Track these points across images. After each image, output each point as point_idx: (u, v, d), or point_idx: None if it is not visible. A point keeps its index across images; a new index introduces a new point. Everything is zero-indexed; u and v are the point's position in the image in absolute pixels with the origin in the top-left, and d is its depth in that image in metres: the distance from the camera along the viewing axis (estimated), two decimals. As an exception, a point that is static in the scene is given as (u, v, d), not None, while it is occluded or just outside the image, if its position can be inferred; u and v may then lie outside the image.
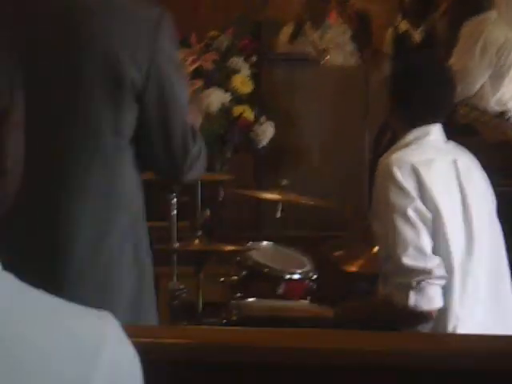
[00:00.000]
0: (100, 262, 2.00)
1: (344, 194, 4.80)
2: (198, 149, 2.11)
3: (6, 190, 1.02)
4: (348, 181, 4.98)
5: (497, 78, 5.55)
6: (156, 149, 2.07)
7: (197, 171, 2.16)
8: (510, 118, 5.60)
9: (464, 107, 4.91)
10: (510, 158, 4.87)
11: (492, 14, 5.68)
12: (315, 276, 3.56)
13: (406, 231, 2.68)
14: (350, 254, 3.69)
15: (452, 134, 3.01)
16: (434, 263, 2.68)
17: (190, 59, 4.81)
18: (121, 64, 1.96)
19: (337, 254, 3.72)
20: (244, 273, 3.52)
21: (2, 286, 0.96)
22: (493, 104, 5.54)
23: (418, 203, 2.71)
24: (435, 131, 2.89)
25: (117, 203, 2.02)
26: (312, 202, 3.98)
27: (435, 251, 2.71)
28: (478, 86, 5.49)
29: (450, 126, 3.04)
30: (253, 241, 3.77)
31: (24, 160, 0.99)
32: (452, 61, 5.58)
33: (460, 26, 5.69)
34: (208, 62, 4.82)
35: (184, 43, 4.90)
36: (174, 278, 3.62)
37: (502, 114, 5.49)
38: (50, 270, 1.94)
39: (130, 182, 2.06)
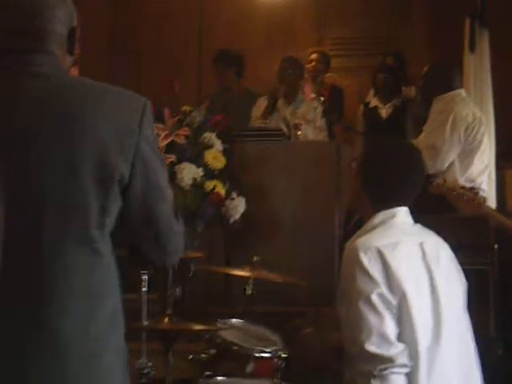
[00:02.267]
0: (86, 349, 1.98)
1: (314, 269, 4.81)
2: (181, 230, 2.16)
3: None
4: (318, 256, 5.00)
5: (466, 155, 5.64)
6: (142, 238, 2.11)
7: (180, 253, 2.20)
8: (478, 193, 5.68)
9: (437, 179, 4.97)
10: (483, 234, 4.91)
11: (461, 92, 5.79)
12: (285, 354, 3.55)
13: (369, 317, 2.69)
14: (319, 331, 3.68)
15: (425, 209, 3.03)
16: (397, 351, 2.68)
17: (163, 134, 4.85)
18: (110, 156, 1.99)
19: (306, 331, 3.71)
20: (213, 351, 3.50)
21: None
22: (462, 180, 5.61)
23: (383, 289, 2.71)
24: (401, 214, 2.92)
25: (101, 291, 2.03)
26: (281, 280, 3.98)
27: (401, 337, 2.71)
28: (448, 162, 5.57)
29: (423, 201, 3.06)
30: (222, 317, 3.76)
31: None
32: (422, 137, 5.68)
33: (431, 103, 5.81)
34: (181, 137, 4.86)
35: (157, 118, 4.96)
36: (143, 355, 3.60)
37: (470, 189, 5.56)
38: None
39: (112, 269, 2.07)
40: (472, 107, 5.79)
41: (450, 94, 5.71)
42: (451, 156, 5.58)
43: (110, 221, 2.04)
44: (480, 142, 5.67)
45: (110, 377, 2.02)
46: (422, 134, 5.72)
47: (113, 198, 2.02)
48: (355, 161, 3.11)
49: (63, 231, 1.96)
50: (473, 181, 5.68)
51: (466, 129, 5.61)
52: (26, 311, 1.94)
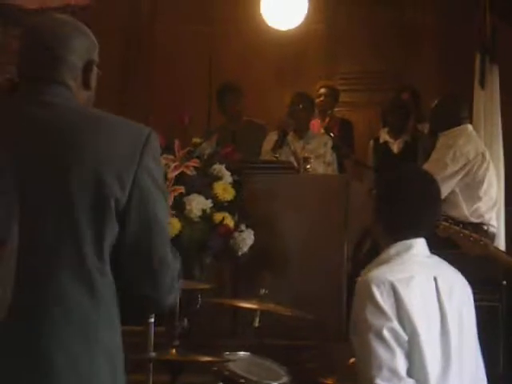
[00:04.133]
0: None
1: (322, 302, 4.79)
2: (177, 267, 2.12)
3: None
4: (326, 290, 4.99)
5: (470, 190, 5.62)
6: (135, 270, 2.06)
7: (175, 291, 2.13)
8: (487, 229, 5.66)
9: (443, 222, 4.96)
10: (492, 271, 4.89)
11: (467, 128, 5.79)
12: (291, 387, 3.53)
13: (380, 352, 2.66)
14: (325, 365, 3.66)
15: (433, 246, 3.01)
16: None
17: (173, 166, 4.86)
18: (106, 182, 1.99)
19: (313, 365, 3.69)
20: (220, 383, 3.48)
21: None
22: (469, 215, 5.59)
23: (395, 324, 2.68)
24: (418, 245, 2.88)
25: (99, 326, 1.99)
26: (289, 313, 3.96)
27: (411, 372, 2.69)
28: (444, 195, 5.54)
29: (432, 238, 3.04)
30: (230, 349, 3.74)
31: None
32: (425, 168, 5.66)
33: (438, 137, 5.81)
34: (190, 169, 4.87)
35: (167, 150, 4.97)
36: (150, 387, 3.58)
37: (478, 225, 5.54)
38: None
39: (112, 302, 2.04)
40: (476, 143, 5.76)
41: (456, 129, 5.72)
42: (446, 189, 5.51)
43: (107, 250, 2.00)
44: (483, 178, 5.66)
45: None
46: (425, 166, 5.70)
47: (108, 224, 1.99)
48: (374, 189, 3.08)
49: (57, 258, 1.95)
50: (481, 216, 5.66)
51: (465, 165, 5.60)
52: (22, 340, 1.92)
